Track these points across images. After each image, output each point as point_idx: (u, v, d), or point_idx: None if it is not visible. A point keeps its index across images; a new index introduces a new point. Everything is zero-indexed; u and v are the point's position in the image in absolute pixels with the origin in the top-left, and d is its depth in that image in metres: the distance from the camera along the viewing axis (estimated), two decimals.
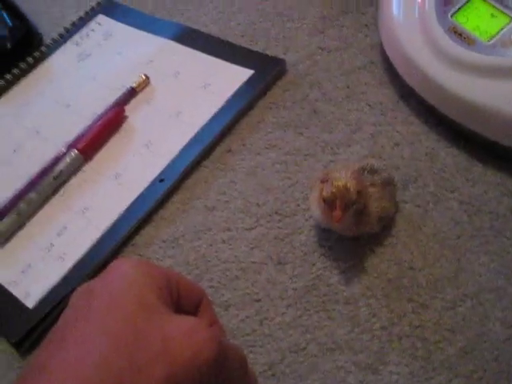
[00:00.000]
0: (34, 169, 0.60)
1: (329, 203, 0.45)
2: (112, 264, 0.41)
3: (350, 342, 0.46)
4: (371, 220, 0.48)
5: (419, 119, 0.58)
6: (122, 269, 0.40)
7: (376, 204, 0.48)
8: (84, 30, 0.74)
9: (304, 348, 0.46)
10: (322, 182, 0.47)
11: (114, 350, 0.34)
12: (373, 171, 0.49)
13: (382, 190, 0.49)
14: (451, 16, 0.54)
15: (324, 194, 0.46)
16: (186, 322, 0.37)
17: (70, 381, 0.33)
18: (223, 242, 0.53)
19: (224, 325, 0.47)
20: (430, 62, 0.54)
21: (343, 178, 0.45)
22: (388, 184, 0.50)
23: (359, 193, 0.45)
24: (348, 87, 0.62)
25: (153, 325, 0.36)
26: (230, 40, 0.68)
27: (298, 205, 0.54)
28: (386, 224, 0.50)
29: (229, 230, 0.54)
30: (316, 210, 0.48)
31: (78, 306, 0.38)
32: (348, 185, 0.45)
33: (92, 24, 0.74)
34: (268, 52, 0.66)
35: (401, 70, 0.58)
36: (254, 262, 0.52)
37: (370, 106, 0.60)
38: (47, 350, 0.36)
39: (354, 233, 0.49)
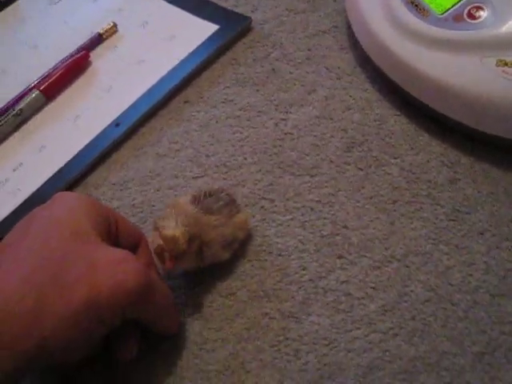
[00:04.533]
0: None
1: (159, 255, 0.44)
2: (56, 194, 0.42)
3: (277, 291, 0.47)
4: (215, 251, 0.46)
5: (373, 87, 0.59)
6: (64, 199, 0.41)
7: (216, 233, 0.45)
8: None
9: (234, 293, 0.48)
10: (154, 229, 0.45)
11: (39, 267, 0.36)
12: (210, 195, 0.47)
13: (221, 216, 0.46)
14: None
15: (153, 247, 0.44)
16: (115, 252, 0.39)
17: None
18: (170, 188, 0.54)
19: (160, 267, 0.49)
20: (386, 30, 0.55)
21: (171, 228, 0.42)
22: (227, 204, 0.47)
23: (192, 238, 0.43)
24: (309, 50, 0.63)
25: (81, 250, 0.37)
26: None
27: (245, 158, 0.55)
28: (237, 248, 0.49)
29: (176, 177, 0.55)
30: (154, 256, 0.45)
31: (18, 228, 0.40)
32: (176, 235, 0.42)
33: None
34: (237, 10, 0.67)
35: (359, 36, 0.59)
36: None
37: (327, 69, 0.61)
38: None
39: (200, 265, 0.46)
